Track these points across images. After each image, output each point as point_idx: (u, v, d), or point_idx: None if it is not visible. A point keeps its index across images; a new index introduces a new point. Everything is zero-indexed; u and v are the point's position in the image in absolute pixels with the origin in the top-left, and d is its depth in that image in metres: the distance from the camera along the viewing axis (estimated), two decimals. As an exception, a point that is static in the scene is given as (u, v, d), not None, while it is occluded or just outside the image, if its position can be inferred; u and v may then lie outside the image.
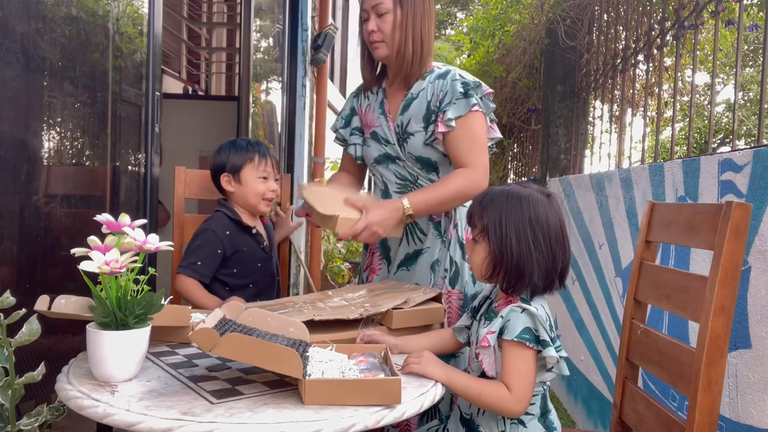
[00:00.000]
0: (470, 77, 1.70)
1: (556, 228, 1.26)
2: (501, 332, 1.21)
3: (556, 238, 1.26)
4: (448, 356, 1.56)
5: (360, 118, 1.87)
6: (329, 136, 4.99)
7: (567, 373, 1.24)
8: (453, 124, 1.63)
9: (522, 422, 1.25)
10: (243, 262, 1.81)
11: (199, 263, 1.74)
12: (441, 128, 1.65)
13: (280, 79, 4.37)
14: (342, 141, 1.93)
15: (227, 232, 1.79)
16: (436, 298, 1.56)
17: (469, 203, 1.80)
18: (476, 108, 1.65)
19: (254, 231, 1.85)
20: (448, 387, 1.22)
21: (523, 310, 1.21)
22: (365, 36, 1.70)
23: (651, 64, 3.23)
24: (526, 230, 1.24)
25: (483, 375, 1.26)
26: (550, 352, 1.18)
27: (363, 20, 1.70)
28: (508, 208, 1.25)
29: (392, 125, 1.76)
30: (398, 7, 1.63)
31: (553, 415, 1.29)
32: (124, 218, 1.14)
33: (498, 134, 1.77)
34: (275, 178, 1.86)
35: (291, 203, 2.30)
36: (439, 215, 1.74)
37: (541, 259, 1.24)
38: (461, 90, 1.65)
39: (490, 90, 1.71)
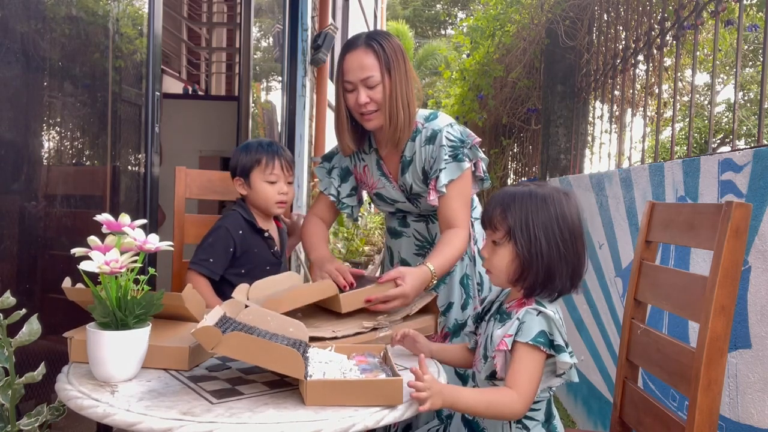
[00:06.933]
0: (457, 133, 1.69)
1: (580, 227, 1.22)
2: (515, 334, 1.17)
3: (581, 237, 1.22)
4: None
5: (356, 177, 1.87)
6: (329, 136, 5.01)
7: (576, 379, 1.21)
8: (444, 190, 1.65)
9: (526, 427, 1.23)
10: (252, 264, 1.81)
11: (211, 260, 1.75)
12: (432, 196, 1.67)
13: (280, 79, 4.38)
14: (334, 197, 1.87)
15: (240, 232, 1.79)
16: (428, 307, 1.58)
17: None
18: (467, 167, 1.67)
19: (266, 234, 1.85)
20: (455, 410, 1.20)
21: (539, 312, 1.17)
22: (354, 108, 1.67)
23: (651, 64, 3.22)
24: (554, 230, 1.19)
25: (492, 375, 1.23)
26: (565, 357, 1.15)
27: (347, 91, 1.67)
28: (534, 207, 1.20)
29: (396, 185, 1.78)
30: (386, 77, 1.63)
31: (557, 420, 1.28)
32: (124, 218, 1.14)
33: (483, 172, 1.77)
34: (287, 181, 1.83)
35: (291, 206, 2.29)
36: None
37: (569, 259, 1.20)
38: (450, 155, 1.66)
39: (478, 139, 1.72)
